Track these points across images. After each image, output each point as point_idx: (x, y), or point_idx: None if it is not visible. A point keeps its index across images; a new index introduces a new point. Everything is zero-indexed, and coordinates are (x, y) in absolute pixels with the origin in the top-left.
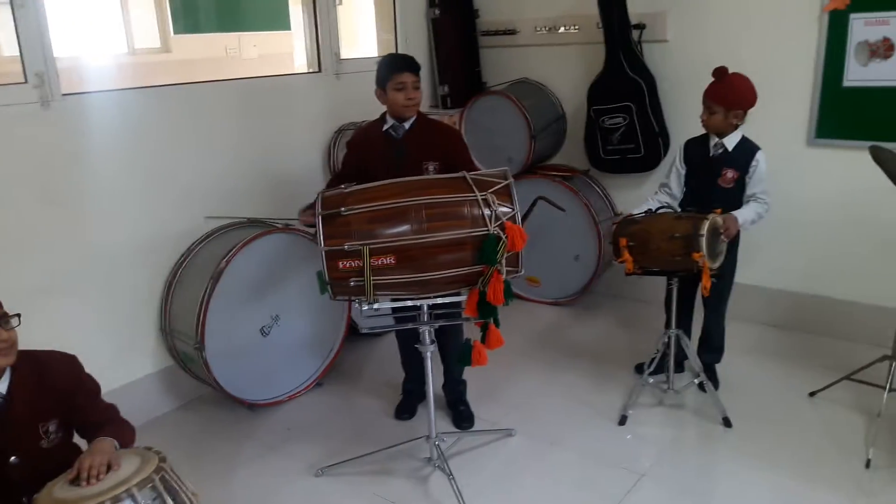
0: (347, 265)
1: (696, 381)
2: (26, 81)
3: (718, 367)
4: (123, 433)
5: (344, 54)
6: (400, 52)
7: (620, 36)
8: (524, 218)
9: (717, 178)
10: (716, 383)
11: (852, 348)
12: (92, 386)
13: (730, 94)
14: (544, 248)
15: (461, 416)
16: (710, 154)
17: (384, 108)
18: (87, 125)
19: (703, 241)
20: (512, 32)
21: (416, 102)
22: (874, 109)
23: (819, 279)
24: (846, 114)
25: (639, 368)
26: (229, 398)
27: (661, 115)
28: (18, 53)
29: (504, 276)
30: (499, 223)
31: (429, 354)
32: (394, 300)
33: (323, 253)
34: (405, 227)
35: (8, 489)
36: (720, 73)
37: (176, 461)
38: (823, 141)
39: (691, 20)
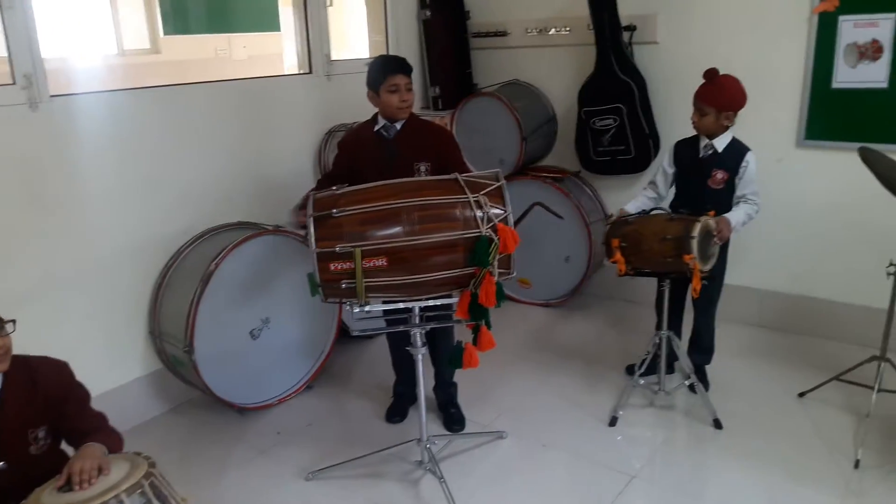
0: (339, 267)
1: (687, 382)
2: (14, 83)
3: (709, 369)
4: (112, 441)
5: (334, 56)
6: (391, 53)
7: (611, 37)
8: (517, 222)
9: (707, 180)
10: (706, 384)
11: (841, 349)
12: (82, 393)
13: (720, 96)
14: (535, 249)
15: (452, 419)
16: (700, 155)
17: (375, 110)
18: (76, 127)
19: (695, 244)
20: (503, 34)
21: (410, 104)
22: (863, 111)
23: (808, 280)
24: (835, 115)
25: (629, 370)
26: (219, 402)
27: (651, 116)
28: (6, 54)
29: (496, 278)
30: (491, 225)
31: (420, 357)
32: (385, 302)
33: (314, 255)
34: (397, 229)
35: None
36: (711, 74)
37: (165, 465)
38: (813, 142)
39: (681, 22)
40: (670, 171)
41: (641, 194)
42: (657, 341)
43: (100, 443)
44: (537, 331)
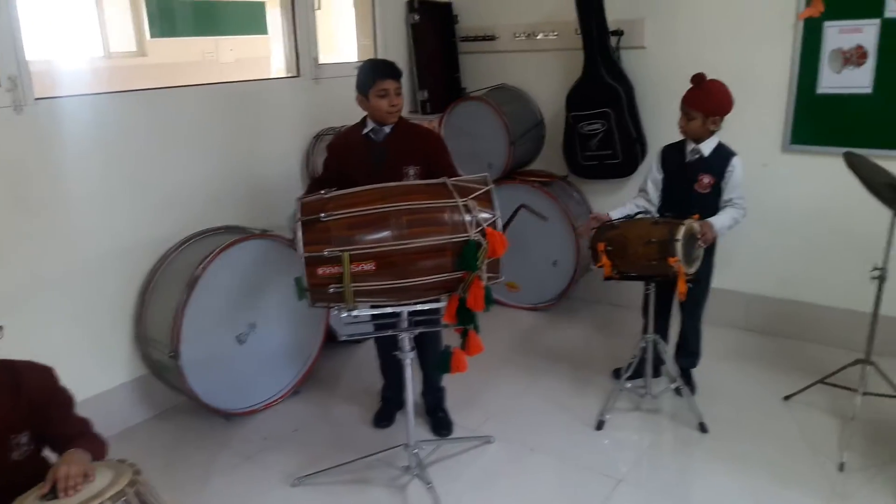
0: (327, 272)
1: (673, 385)
2: None
3: (695, 372)
4: (96, 447)
5: (322, 59)
6: (380, 57)
7: (599, 42)
8: (506, 225)
9: (694, 184)
10: (693, 388)
11: (826, 352)
12: (66, 398)
13: (707, 101)
14: (523, 253)
15: (440, 424)
16: (687, 160)
17: (363, 113)
18: (61, 130)
19: (679, 247)
20: (491, 38)
21: (399, 109)
22: (848, 116)
23: (794, 284)
24: (820, 121)
25: (616, 373)
26: (204, 407)
27: (638, 121)
28: None
29: (484, 283)
30: (479, 229)
31: (408, 361)
32: (373, 307)
33: (302, 259)
34: (385, 233)
35: None
36: (698, 79)
37: (150, 472)
38: (798, 147)
39: (669, 27)
40: (657, 176)
41: (630, 201)
42: (644, 345)
43: (84, 449)
44: (525, 335)
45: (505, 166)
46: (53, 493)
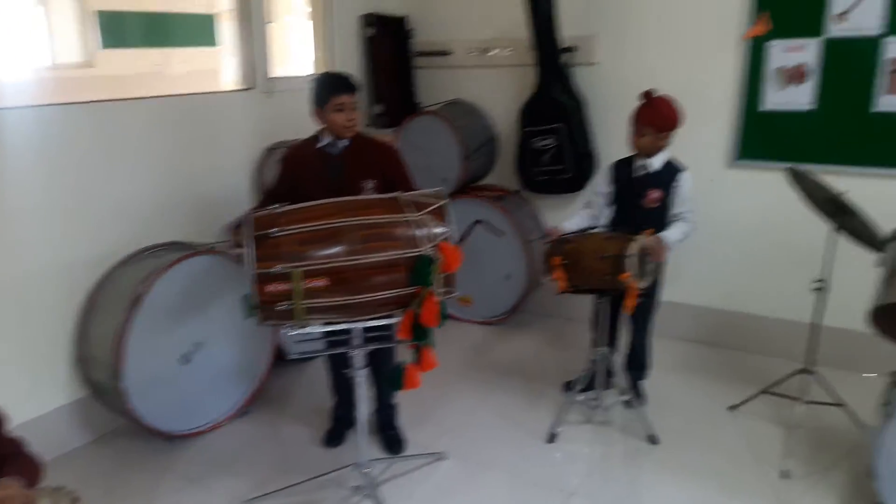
0: (277, 288)
1: (624, 398)
2: None
3: (645, 384)
4: (29, 469)
5: (276, 72)
6: (335, 70)
7: (551, 58)
8: (461, 241)
9: (644, 199)
10: (643, 399)
11: (771, 362)
12: None
13: (657, 117)
14: (475, 267)
15: (392, 441)
16: (637, 175)
17: (317, 126)
18: (2, 141)
19: (630, 262)
20: (446, 53)
21: (356, 123)
22: (790, 132)
23: (740, 296)
24: (764, 137)
25: (567, 386)
26: (146, 430)
27: (589, 136)
28: None
29: (438, 298)
30: (433, 244)
31: (360, 379)
32: (326, 324)
33: (251, 275)
34: (338, 249)
35: None
36: (648, 95)
37: (90, 499)
38: (743, 163)
39: (620, 44)
40: (606, 190)
41: (578, 214)
42: (594, 358)
43: (17, 474)
44: (478, 349)
45: (459, 181)
46: None
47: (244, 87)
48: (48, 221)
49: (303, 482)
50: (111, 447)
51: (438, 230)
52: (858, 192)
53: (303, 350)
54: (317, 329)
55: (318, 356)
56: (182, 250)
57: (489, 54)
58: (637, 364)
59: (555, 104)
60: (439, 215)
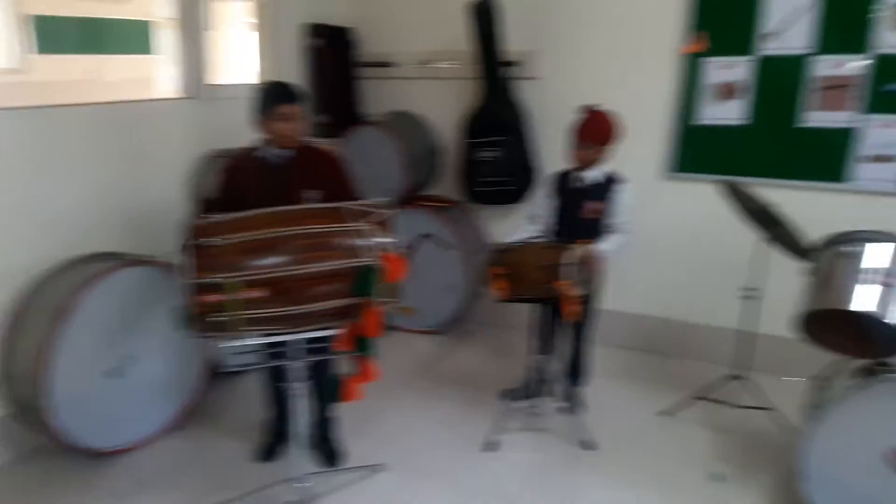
0: (214, 299)
1: (562, 405)
2: None
3: (584, 391)
4: None
5: (219, 80)
6: (278, 79)
7: (495, 72)
8: (409, 253)
9: (583, 210)
10: (581, 407)
11: (704, 368)
12: None
13: (596, 130)
14: (418, 277)
15: (330, 454)
16: (577, 186)
17: (257, 136)
18: None
19: (567, 271)
20: (390, 65)
21: (300, 133)
22: (724, 146)
23: (674, 304)
24: (698, 150)
25: (507, 394)
26: (68, 448)
27: (532, 148)
28: None
29: (381, 308)
30: (376, 254)
31: (297, 391)
32: (266, 335)
33: (188, 286)
34: (279, 259)
35: None
36: (589, 109)
37: None
38: (678, 175)
39: (563, 59)
40: (547, 202)
41: (521, 228)
42: (534, 366)
43: None
44: (419, 358)
45: (402, 192)
46: None
47: (184, 95)
48: None
49: (236, 499)
50: (34, 466)
51: (382, 240)
52: (787, 204)
53: (240, 362)
54: (255, 341)
55: (255, 369)
56: (114, 261)
57: (433, 66)
58: (576, 371)
59: (498, 117)
60: (384, 225)
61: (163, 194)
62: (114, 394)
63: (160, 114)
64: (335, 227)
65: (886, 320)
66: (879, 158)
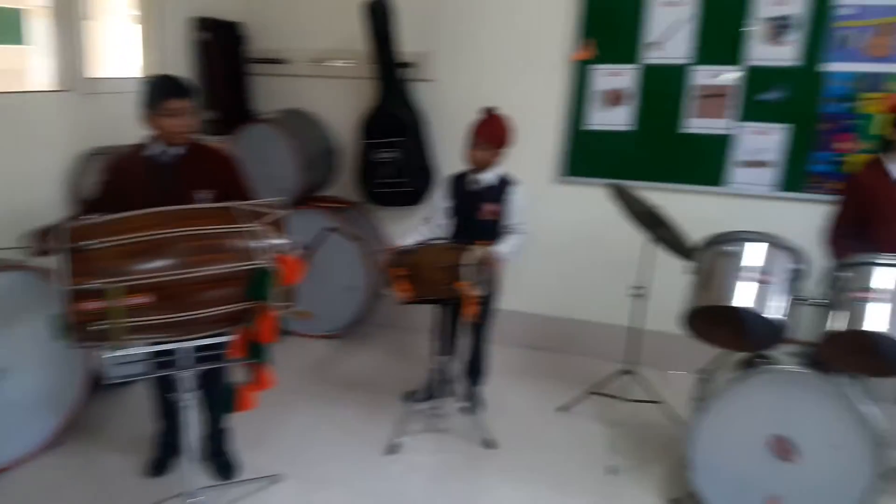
0: (93, 307)
1: (463, 405)
2: None
3: (483, 390)
4: None
5: (102, 73)
6: (164, 73)
7: (390, 73)
8: (311, 251)
9: (479, 211)
10: (481, 406)
11: (597, 364)
12: None
13: (493, 133)
14: (315, 279)
15: (223, 467)
16: (472, 188)
17: (143, 132)
18: None
19: (466, 272)
20: (282, 61)
21: (190, 129)
22: (612, 151)
23: (567, 303)
24: (587, 154)
25: (408, 396)
26: None
27: (428, 150)
28: None
29: (276, 312)
30: (270, 255)
31: (188, 402)
32: (151, 343)
33: (64, 293)
34: (164, 262)
35: None
36: (486, 112)
37: None
38: (568, 178)
39: (457, 62)
40: (444, 204)
41: (417, 230)
42: (435, 367)
43: None
44: (317, 363)
45: (297, 192)
46: None
47: (60, 88)
48: None
49: None
50: None
51: (276, 241)
52: (671, 207)
53: (123, 373)
54: (141, 350)
55: (142, 379)
56: None
57: (328, 65)
58: (475, 371)
59: (394, 118)
60: (277, 226)
61: (39, 193)
62: None
63: (33, 107)
64: (226, 228)
65: (764, 315)
66: (752, 164)
